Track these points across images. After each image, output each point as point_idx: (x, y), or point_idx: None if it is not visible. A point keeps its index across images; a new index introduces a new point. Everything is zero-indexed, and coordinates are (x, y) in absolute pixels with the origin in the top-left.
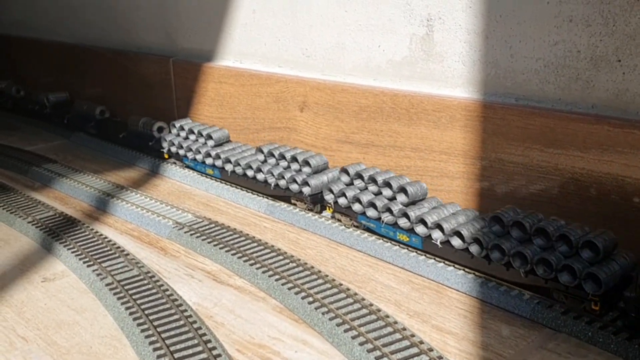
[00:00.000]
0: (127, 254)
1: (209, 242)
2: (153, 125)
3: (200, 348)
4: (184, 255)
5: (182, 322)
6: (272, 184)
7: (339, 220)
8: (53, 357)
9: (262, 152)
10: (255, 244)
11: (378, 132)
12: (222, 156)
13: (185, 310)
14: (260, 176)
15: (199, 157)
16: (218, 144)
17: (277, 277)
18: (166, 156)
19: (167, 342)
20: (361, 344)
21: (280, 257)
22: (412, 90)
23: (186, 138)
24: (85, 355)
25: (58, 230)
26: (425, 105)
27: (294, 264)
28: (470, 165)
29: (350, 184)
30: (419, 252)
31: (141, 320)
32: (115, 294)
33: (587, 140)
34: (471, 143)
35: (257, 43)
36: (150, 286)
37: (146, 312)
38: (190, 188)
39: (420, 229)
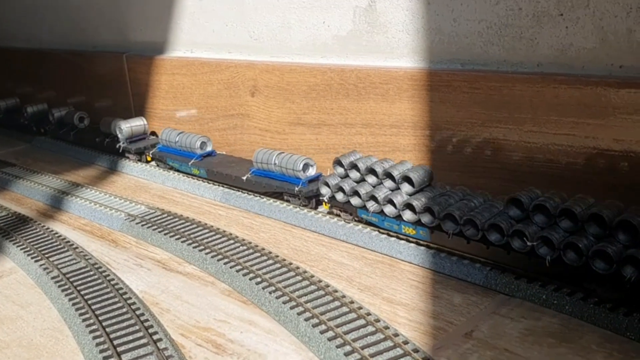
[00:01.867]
0: (76, 248)
1: (159, 232)
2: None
3: (140, 334)
4: (135, 246)
5: (124, 310)
6: (548, 258)
7: None
8: None
9: (518, 204)
10: (207, 231)
11: (328, 110)
12: (436, 209)
13: (130, 299)
14: (517, 244)
15: (389, 210)
16: (419, 189)
17: (226, 260)
18: (325, 206)
19: (108, 329)
20: (307, 319)
21: (232, 242)
22: (359, 65)
23: (362, 180)
24: (25, 348)
25: (9, 229)
26: (372, 79)
27: (245, 247)
28: (420, 136)
29: None
30: (371, 227)
31: (83, 310)
32: (60, 286)
33: (534, 100)
34: (420, 114)
35: (206, 31)
36: (96, 277)
37: (89, 302)
38: (147, 182)
39: None
